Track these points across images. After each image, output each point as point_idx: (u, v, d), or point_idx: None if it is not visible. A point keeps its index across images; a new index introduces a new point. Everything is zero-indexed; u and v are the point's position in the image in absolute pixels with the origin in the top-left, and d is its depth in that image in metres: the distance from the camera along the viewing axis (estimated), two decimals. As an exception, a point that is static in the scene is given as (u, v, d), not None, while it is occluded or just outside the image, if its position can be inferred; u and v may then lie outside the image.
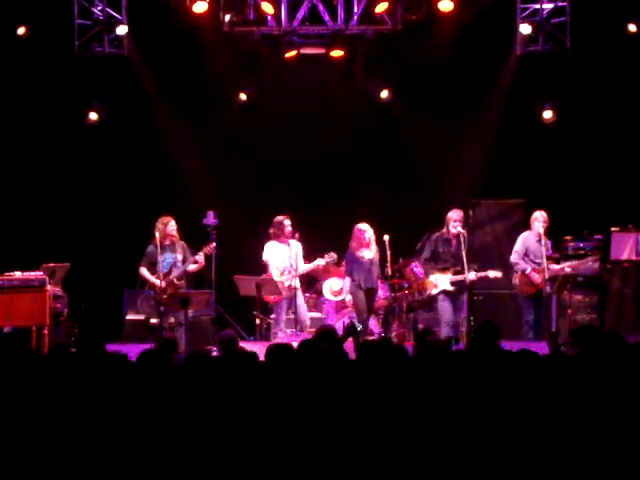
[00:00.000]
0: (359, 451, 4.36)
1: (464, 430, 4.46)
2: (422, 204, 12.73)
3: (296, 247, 11.45)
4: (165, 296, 10.90)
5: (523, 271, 10.89)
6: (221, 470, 4.33)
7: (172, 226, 11.11)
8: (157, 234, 10.96)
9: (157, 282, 10.94)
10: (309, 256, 11.64)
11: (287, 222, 11.38)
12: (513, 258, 11.00)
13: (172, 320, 11.00)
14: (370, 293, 11.28)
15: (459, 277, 10.77)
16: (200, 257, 11.11)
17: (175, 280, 11.03)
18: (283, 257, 11.37)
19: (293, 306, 11.25)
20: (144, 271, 11.15)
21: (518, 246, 11.03)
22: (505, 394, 4.78)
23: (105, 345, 7.18)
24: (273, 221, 11.45)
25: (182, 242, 11.20)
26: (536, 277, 10.83)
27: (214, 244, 11.24)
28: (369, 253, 11.25)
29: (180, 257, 11.09)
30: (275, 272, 11.32)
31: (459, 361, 5.41)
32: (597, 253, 11.44)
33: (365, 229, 11.27)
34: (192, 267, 11.15)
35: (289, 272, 11.27)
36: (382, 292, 11.87)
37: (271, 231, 11.46)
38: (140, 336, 11.20)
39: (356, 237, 11.30)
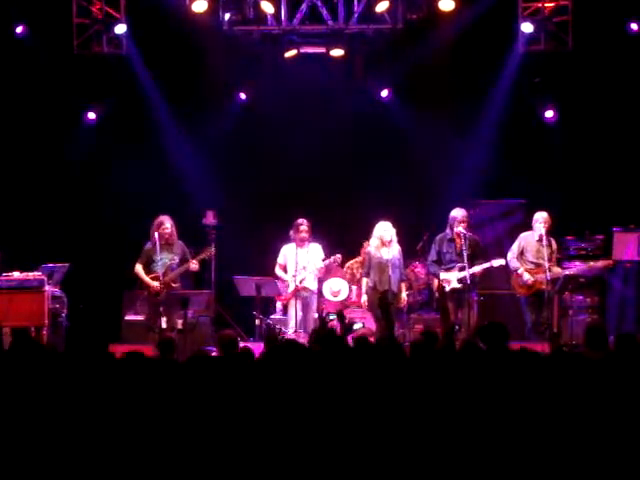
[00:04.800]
0: (354, 450, 4.34)
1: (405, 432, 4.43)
2: (423, 204, 12.71)
3: (315, 252, 11.41)
4: (159, 298, 10.82)
5: (515, 270, 10.88)
6: (222, 469, 4.31)
7: (165, 228, 10.91)
8: (155, 233, 10.89)
9: (152, 283, 10.84)
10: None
11: (303, 227, 11.33)
12: (508, 256, 10.99)
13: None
14: (385, 296, 10.85)
15: (472, 271, 10.68)
16: (195, 265, 10.91)
17: (171, 283, 10.87)
18: (296, 260, 11.33)
19: (303, 306, 11.22)
20: (139, 269, 11.00)
21: (514, 245, 11.04)
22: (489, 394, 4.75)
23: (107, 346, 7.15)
24: (293, 223, 11.44)
25: (180, 242, 11.03)
26: (526, 278, 10.78)
27: (213, 249, 11.09)
28: (388, 253, 10.94)
29: (177, 258, 10.92)
30: (286, 274, 11.36)
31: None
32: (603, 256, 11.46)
33: (385, 228, 11.00)
34: (190, 268, 10.95)
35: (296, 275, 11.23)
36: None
37: (290, 233, 11.45)
38: (139, 337, 11.14)
39: (375, 235, 11.05)
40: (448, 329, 10.12)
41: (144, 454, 4.37)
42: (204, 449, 4.40)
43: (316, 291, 11.49)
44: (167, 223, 10.92)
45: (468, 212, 11.17)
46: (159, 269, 10.85)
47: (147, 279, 10.91)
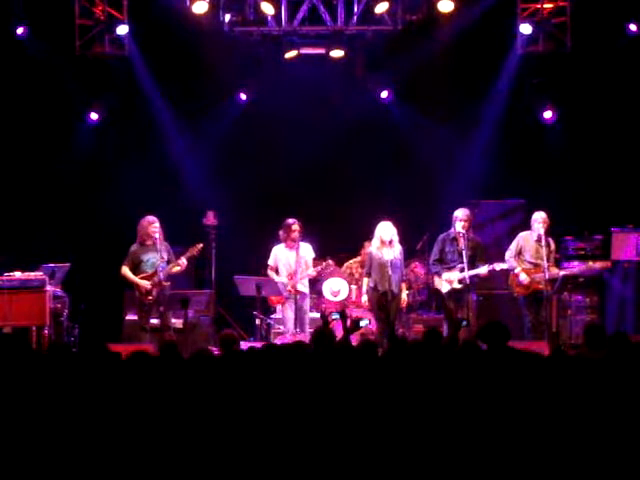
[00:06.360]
0: (353, 449, 4.37)
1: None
2: (423, 204, 12.73)
3: (305, 252, 11.38)
4: (150, 297, 10.85)
5: (512, 270, 10.90)
6: (222, 469, 4.33)
7: (155, 227, 10.89)
8: (140, 233, 10.90)
9: (142, 283, 10.84)
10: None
11: (295, 227, 11.25)
12: (506, 256, 11.00)
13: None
14: (385, 296, 10.85)
15: (471, 272, 10.69)
16: (178, 267, 10.89)
17: (163, 282, 10.84)
18: (288, 261, 11.33)
19: (297, 308, 11.20)
20: (126, 271, 10.98)
21: (512, 244, 11.04)
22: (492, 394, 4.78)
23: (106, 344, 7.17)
24: (283, 223, 11.40)
25: (166, 243, 11.00)
26: (522, 278, 10.80)
27: (201, 245, 11.07)
28: (389, 253, 10.89)
29: (165, 257, 10.90)
30: (279, 276, 11.34)
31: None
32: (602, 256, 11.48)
33: (385, 228, 10.95)
34: (175, 269, 10.94)
35: (291, 277, 11.24)
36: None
37: (280, 234, 11.40)
38: (139, 337, 11.17)
39: (376, 236, 11.01)
40: (456, 324, 10.11)
41: (144, 453, 4.39)
42: (204, 449, 4.42)
43: (307, 292, 11.49)
44: (157, 222, 10.92)
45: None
46: (148, 269, 10.88)
47: (136, 279, 10.90)
